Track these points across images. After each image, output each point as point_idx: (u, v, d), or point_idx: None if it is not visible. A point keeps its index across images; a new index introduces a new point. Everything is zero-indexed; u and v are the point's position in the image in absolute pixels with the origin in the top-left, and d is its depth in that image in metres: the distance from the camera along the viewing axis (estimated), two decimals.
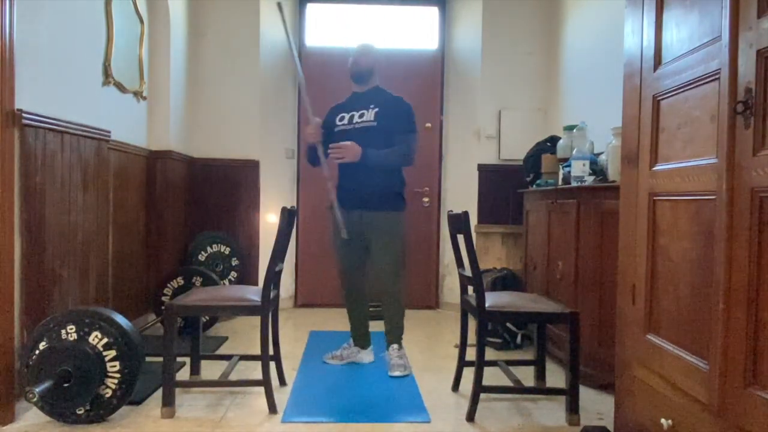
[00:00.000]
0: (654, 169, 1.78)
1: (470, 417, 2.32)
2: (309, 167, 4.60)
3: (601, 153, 3.01)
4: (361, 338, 3.15)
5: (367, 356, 3.14)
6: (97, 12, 2.99)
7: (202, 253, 4.10)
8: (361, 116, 3.01)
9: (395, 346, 2.99)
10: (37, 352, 2.14)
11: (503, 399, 2.58)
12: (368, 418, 2.33)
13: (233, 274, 4.20)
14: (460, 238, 2.47)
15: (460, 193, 4.59)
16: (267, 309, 2.41)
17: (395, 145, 2.97)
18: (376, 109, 2.99)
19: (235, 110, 4.40)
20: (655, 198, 1.77)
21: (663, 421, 1.68)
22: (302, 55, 4.74)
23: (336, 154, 2.91)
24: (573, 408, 2.30)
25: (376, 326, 3.41)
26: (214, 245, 4.14)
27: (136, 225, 3.57)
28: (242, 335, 3.70)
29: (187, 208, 4.25)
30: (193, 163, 4.33)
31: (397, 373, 2.86)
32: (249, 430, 2.21)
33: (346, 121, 3.04)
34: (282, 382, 2.72)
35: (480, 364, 2.35)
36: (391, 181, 3.02)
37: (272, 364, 2.61)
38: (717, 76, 1.44)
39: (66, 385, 2.11)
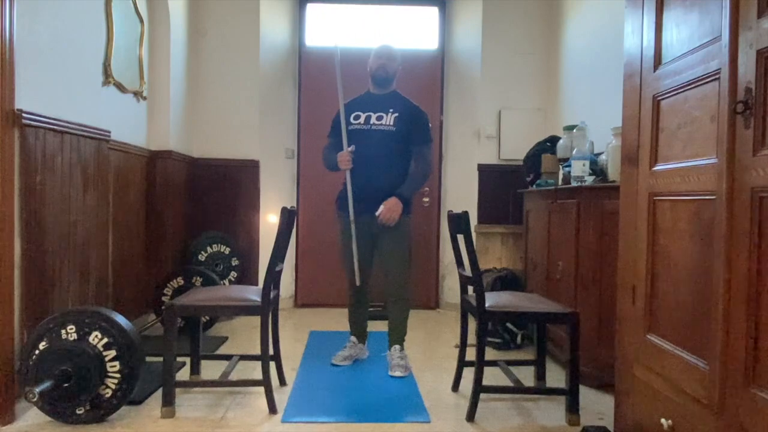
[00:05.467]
0: (654, 169, 1.78)
1: (470, 417, 2.33)
2: (309, 167, 4.65)
3: (601, 153, 3.01)
4: (361, 336, 3.18)
5: (365, 352, 3.21)
6: (97, 12, 2.99)
7: (202, 253, 4.10)
8: (379, 119, 3.00)
9: (397, 347, 3.00)
10: (37, 352, 2.14)
11: (503, 399, 2.58)
12: (368, 418, 2.33)
13: (233, 274, 4.20)
14: (460, 238, 2.47)
15: (460, 193, 4.59)
16: (267, 309, 2.41)
17: (412, 154, 3.02)
18: (396, 114, 2.99)
19: (235, 110, 4.40)
20: (655, 198, 1.77)
21: (663, 421, 1.68)
22: (302, 55, 4.75)
23: (387, 218, 2.89)
24: (573, 408, 2.30)
25: (376, 326, 3.42)
26: (214, 245, 4.14)
27: (136, 225, 3.57)
28: (242, 335, 3.70)
29: (187, 208, 4.25)
30: (193, 163, 4.33)
31: (397, 374, 2.87)
32: (249, 430, 2.21)
33: (362, 121, 3.02)
34: (282, 382, 2.73)
35: (480, 364, 2.35)
36: (399, 182, 3.00)
37: (272, 364, 2.61)
38: (717, 76, 1.44)
39: (66, 385, 2.11)
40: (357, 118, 3.03)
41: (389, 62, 3.03)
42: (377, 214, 2.90)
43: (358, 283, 3.01)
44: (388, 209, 2.90)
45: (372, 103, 3.04)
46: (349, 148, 2.94)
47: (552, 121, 4.35)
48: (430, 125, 3.11)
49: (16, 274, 2.22)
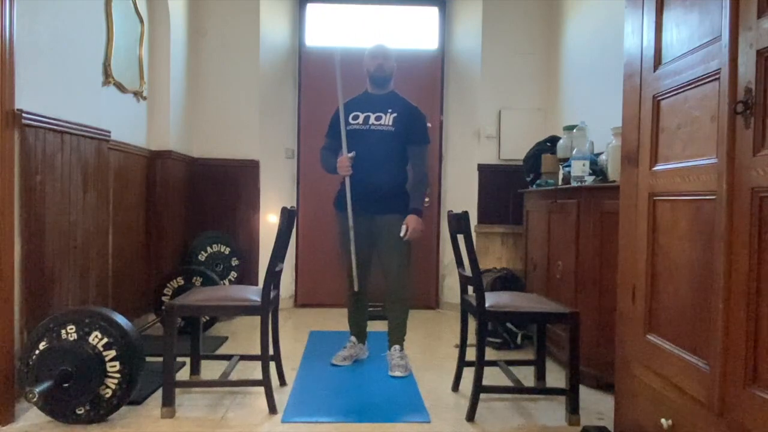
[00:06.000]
0: (654, 169, 1.78)
1: (470, 417, 2.32)
2: (309, 167, 4.65)
3: (601, 153, 3.01)
4: (361, 336, 3.18)
5: (365, 352, 3.20)
6: (97, 12, 2.99)
7: (202, 253, 4.10)
8: (378, 119, 3.00)
9: (397, 347, 3.00)
10: (37, 352, 2.14)
11: (503, 399, 2.58)
12: (368, 418, 2.33)
13: (233, 274, 4.20)
14: (460, 238, 2.47)
15: (460, 193, 4.59)
16: (267, 309, 2.41)
17: (408, 155, 3.02)
18: (395, 115, 2.99)
19: (235, 110, 4.40)
20: (655, 198, 1.77)
21: (663, 421, 1.68)
22: (302, 55, 4.75)
23: (413, 236, 2.93)
24: (573, 408, 2.30)
25: (375, 326, 3.42)
26: (214, 245, 4.14)
27: (136, 225, 3.57)
28: (242, 335, 3.70)
29: (187, 208, 4.25)
30: (193, 163, 4.33)
31: (397, 374, 2.87)
32: (249, 430, 2.21)
33: (360, 121, 3.01)
34: (282, 382, 2.73)
35: (480, 364, 2.35)
36: (398, 183, 3.02)
37: (272, 364, 2.61)
38: (717, 76, 1.44)
39: (66, 385, 2.11)
40: (356, 118, 3.02)
41: (386, 61, 3.03)
42: (401, 235, 2.90)
43: (356, 288, 3.02)
44: (413, 229, 2.91)
45: (371, 104, 3.04)
46: (350, 154, 2.94)
47: (552, 121, 4.35)
48: (427, 126, 3.11)
49: (16, 274, 2.22)
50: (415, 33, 4.78)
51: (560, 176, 3.19)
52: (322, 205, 4.45)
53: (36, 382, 2.08)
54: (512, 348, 3.48)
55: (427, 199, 4.65)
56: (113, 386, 2.20)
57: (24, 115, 2.22)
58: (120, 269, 3.31)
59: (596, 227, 2.70)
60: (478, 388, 2.33)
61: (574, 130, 3.32)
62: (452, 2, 4.73)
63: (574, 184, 2.92)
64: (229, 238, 4.24)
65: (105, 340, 2.19)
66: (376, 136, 2.97)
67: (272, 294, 2.52)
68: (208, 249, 4.12)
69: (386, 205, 2.95)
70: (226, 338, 3.58)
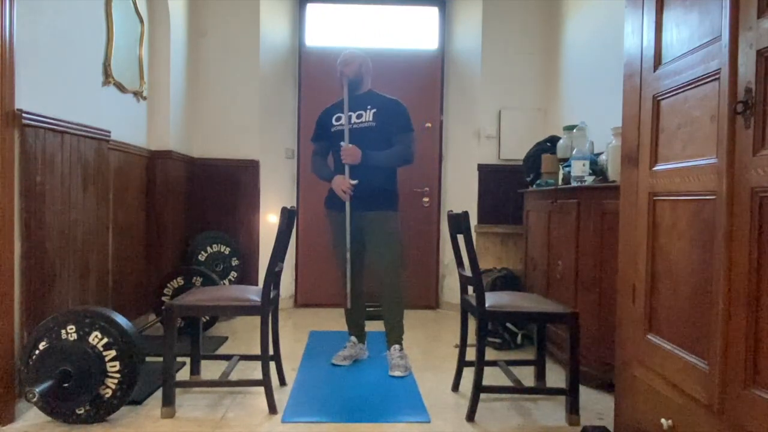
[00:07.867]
0: (654, 169, 1.78)
1: (470, 417, 2.33)
2: (309, 167, 4.64)
3: (601, 153, 3.01)
4: (360, 336, 3.19)
5: (364, 352, 3.20)
6: (97, 12, 2.99)
7: (202, 253, 4.10)
8: (359, 117, 3.02)
9: (396, 346, 3.00)
10: (37, 352, 2.14)
11: (503, 399, 2.58)
12: (368, 418, 2.33)
13: (233, 274, 4.20)
14: (460, 238, 2.47)
15: (460, 193, 4.59)
16: (267, 309, 2.41)
17: (394, 145, 3.03)
18: (374, 110, 3.01)
19: (235, 110, 4.40)
20: (655, 198, 1.77)
21: (663, 421, 1.68)
22: (302, 55, 4.75)
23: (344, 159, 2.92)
24: (573, 408, 2.30)
25: (375, 326, 3.41)
26: (214, 245, 4.14)
27: (136, 225, 3.57)
28: (242, 335, 3.70)
29: (187, 208, 4.25)
30: (193, 163, 4.33)
31: (397, 373, 2.87)
32: (249, 430, 2.21)
33: (343, 121, 3.04)
34: (282, 382, 2.73)
35: (480, 364, 2.35)
36: (386, 180, 3.03)
37: (272, 364, 2.62)
38: (717, 76, 1.44)
39: (66, 385, 2.11)
40: (338, 119, 3.06)
41: (346, 67, 3.05)
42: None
43: (348, 306, 3.02)
44: (349, 153, 2.91)
45: (350, 104, 3.05)
46: (353, 181, 2.94)
47: (552, 121, 4.35)
48: (409, 116, 3.08)
49: (16, 274, 2.22)
50: (415, 33, 4.78)
51: (560, 176, 3.19)
52: (321, 205, 4.45)
53: (36, 382, 2.08)
54: (512, 348, 3.48)
55: (426, 199, 4.66)
56: (113, 386, 2.20)
57: (24, 115, 2.22)
58: (120, 269, 3.31)
59: (596, 227, 2.70)
60: (478, 388, 2.33)
61: (574, 130, 3.32)
62: (452, 2, 4.73)
63: (574, 184, 2.92)
64: (229, 238, 4.24)
65: (105, 340, 2.19)
66: (359, 133, 2.99)
67: (272, 294, 2.52)
68: (208, 249, 4.12)
69: (374, 201, 2.96)
70: (226, 338, 3.58)
